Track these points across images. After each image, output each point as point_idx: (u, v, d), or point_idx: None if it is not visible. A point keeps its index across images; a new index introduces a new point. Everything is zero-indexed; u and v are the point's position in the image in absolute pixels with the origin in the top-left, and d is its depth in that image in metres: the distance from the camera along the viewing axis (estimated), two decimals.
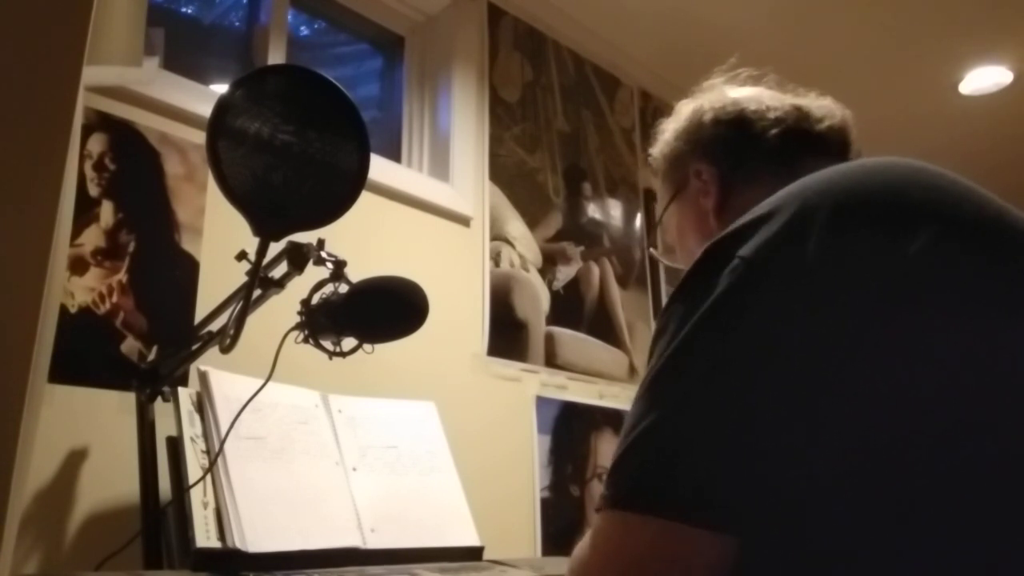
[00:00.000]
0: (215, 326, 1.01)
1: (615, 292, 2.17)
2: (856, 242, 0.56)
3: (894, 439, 0.51)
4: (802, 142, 0.84)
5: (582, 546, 0.60)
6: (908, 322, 0.53)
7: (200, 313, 1.26)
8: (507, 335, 1.84)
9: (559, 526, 1.80)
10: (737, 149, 0.86)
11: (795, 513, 0.53)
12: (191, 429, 1.03)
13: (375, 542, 1.07)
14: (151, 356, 1.23)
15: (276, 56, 1.71)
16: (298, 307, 0.94)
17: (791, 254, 0.56)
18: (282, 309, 0.96)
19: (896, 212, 0.58)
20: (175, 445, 1.04)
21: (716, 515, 0.53)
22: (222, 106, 0.79)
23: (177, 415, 1.04)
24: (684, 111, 0.94)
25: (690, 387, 0.56)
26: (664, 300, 2.30)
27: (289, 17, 1.78)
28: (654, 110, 2.47)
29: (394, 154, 1.92)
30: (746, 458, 0.53)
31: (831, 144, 0.84)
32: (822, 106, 0.86)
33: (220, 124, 0.79)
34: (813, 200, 0.59)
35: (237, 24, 1.83)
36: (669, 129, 0.95)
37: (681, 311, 0.58)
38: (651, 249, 1.09)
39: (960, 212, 0.60)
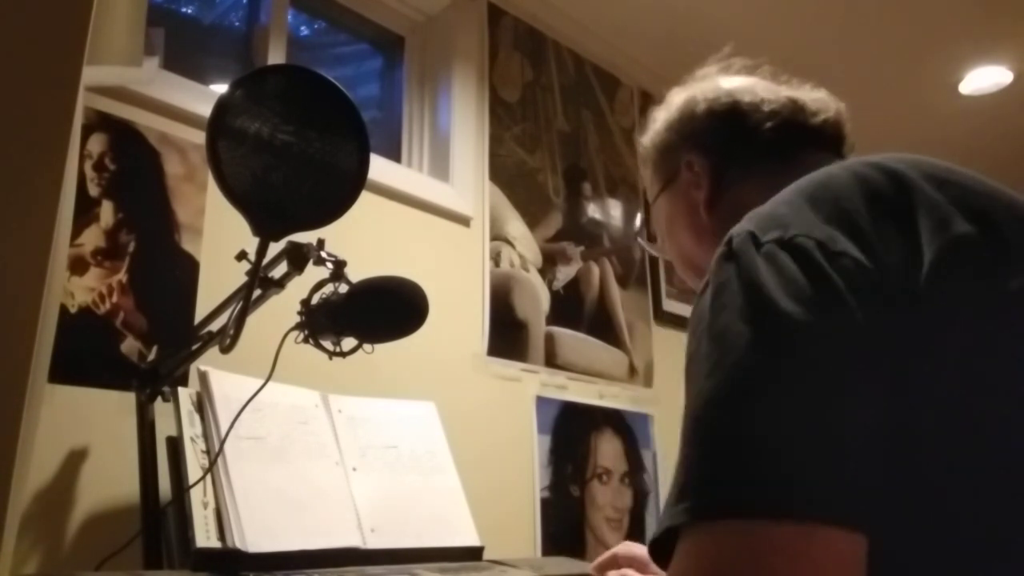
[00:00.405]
0: (215, 326, 1.01)
1: (615, 292, 2.17)
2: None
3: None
4: (797, 136, 0.82)
5: None
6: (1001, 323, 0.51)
7: (200, 313, 1.26)
8: (507, 335, 1.84)
9: (559, 526, 1.80)
10: (731, 142, 0.84)
11: (933, 504, 0.47)
12: (191, 429, 1.03)
13: (375, 542, 1.07)
14: (151, 356, 1.23)
15: (276, 56, 1.71)
16: (298, 307, 0.94)
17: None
18: (282, 309, 0.96)
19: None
20: (175, 445, 1.04)
21: (854, 510, 0.45)
22: (222, 106, 0.79)
23: (177, 415, 1.04)
24: (676, 101, 0.91)
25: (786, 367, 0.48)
26: (664, 300, 2.31)
27: (289, 17, 1.78)
28: (654, 110, 2.47)
29: (394, 154, 1.93)
30: (874, 445, 0.46)
31: (826, 138, 0.83)
32: (817, 99, 0.85)
33: (220, 124, 0.79)
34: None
35: (237, 24, 1.83)
36: (660, 119, 0.93)
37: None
38: (639, 239, 1.06)
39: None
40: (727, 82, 0.88)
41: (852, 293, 0.49)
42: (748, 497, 0.45)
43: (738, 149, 0.84)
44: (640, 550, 1.03)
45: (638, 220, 2.32)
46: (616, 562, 1.02)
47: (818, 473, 0.44)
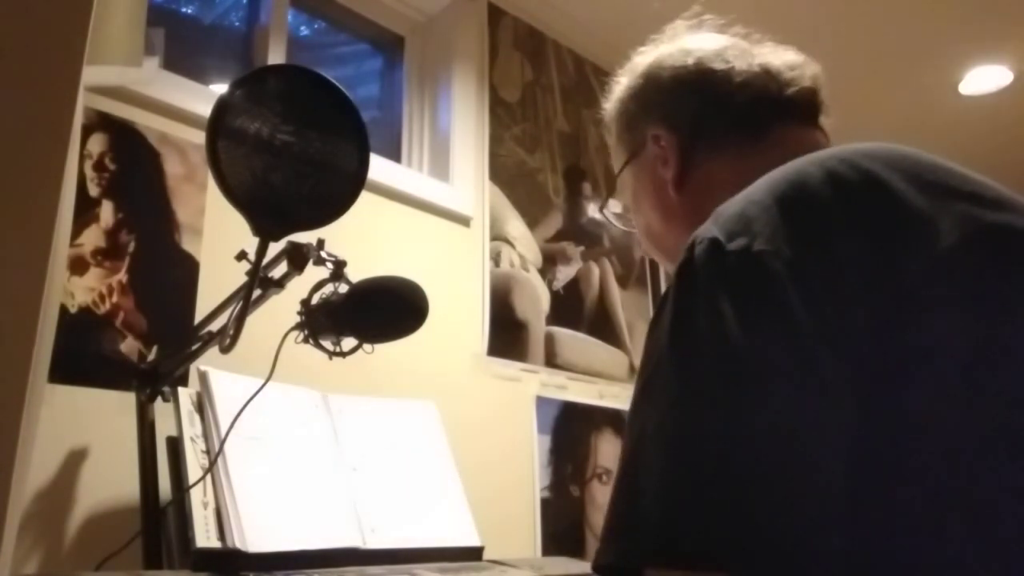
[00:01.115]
0: (215, 326, 1.01)
1: (615, 292, 2.17)
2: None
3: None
4: (770, 108, 0.75)
5: None
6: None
7: (200, 313, 1.26)
8: (507, 335, 1.84)
9: (559, 526, 1.80)
10: (699, 115, 0.77)
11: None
12: (191, 429, 1.03)
13: (375, 542, 1.07)
14: (151, 356, 1.23)
15: (276, 56, 1.71)
16: (298, 307, 0.94)
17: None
18: (282, 309, 0.96)
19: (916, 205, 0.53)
20: (175, 445, 1.04)
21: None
22: (222, 106, 0.79)
23: (177, 415, 1.04)
24: (640, 66, 0.84)
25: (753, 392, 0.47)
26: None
27: (289, 17, 1.78)
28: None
29: (394, 154, 1.92)
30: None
31: (800, 109, 0.76)
32: (791, 64, 0.77)
33: (220, 124, 0.79)
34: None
35: (237, 24, 1.83)
36: (623, 85, 0.85)
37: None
38: (603, 210, 0.99)
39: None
40: (695, 44, 0.81)
41: (816, 319, 0.47)
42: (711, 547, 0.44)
43: (707, 123, 0.77)
44: None
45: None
46: None
47: (775, 528, 0.44)
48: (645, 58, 0.84)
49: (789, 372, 0.46)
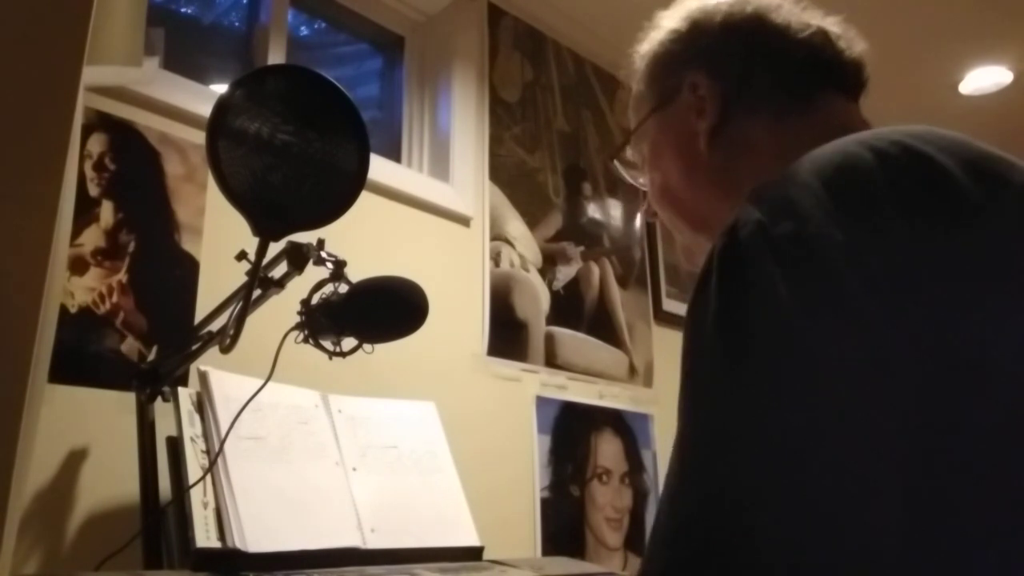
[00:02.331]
0: (215, 326, 1.01)
1: (615, 292, 2.17)
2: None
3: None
4: (823, 71, 0.70)
5: None
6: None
7: (200, 313, 1.26)
8: (507, 335, 1.84)
9: (559, 526, 1.80)
10: (748, 66, 0.71)
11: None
12: (191, 429, 1.03)
13: (375, 542, 1.07)
14: (151, 356, 1.23)
15: (276, 56, 1.71)
16: (298, 307, 0.94)
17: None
18: (282, 309, 0.96)
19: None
20: (175, 445, 1.04)
21: None
22: (222, 106, 0.79)
23: (177, 415, 1.04)
24: (687, 8, 0.77)
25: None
26: (664, 300, 2.31)
27: (289, 17, 1.78)
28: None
29: (394, 154, 1.93)
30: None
31: (850, 80, 0.72)
32: (844, 36, 0.73)
33: (220, 124, 0.79)
34: None
35: (237, 24, 1.83)
36: (665, 27, 0.79)
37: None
38: (615, 162, 0.89)
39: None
40: None
41: (880, 304, 0.43)
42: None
43: (755, 77, 0.71)
44: None
45: (638, 221, 2.32)
46: None
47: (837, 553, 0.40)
48: (692, 2, 0.78)
49: (857, 368, 0.42)
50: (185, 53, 1.58)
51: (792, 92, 0.70)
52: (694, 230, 0.78)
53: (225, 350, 0.88)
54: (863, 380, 0.42)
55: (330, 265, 0.93)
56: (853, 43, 0.73)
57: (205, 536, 0.94)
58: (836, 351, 0.43)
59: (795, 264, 0.45)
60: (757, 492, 0.41)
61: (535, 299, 1.94)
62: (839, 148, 0.52)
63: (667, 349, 2.23)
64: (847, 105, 0.72)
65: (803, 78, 0.70)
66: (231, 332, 0.87)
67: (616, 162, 0.89)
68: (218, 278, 1.29)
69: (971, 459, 0.43)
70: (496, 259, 1.88)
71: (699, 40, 0.75)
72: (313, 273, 0.93)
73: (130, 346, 1.23)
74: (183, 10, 1.73)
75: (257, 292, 0.89)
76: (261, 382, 0.97)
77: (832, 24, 0.74)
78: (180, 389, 1.07)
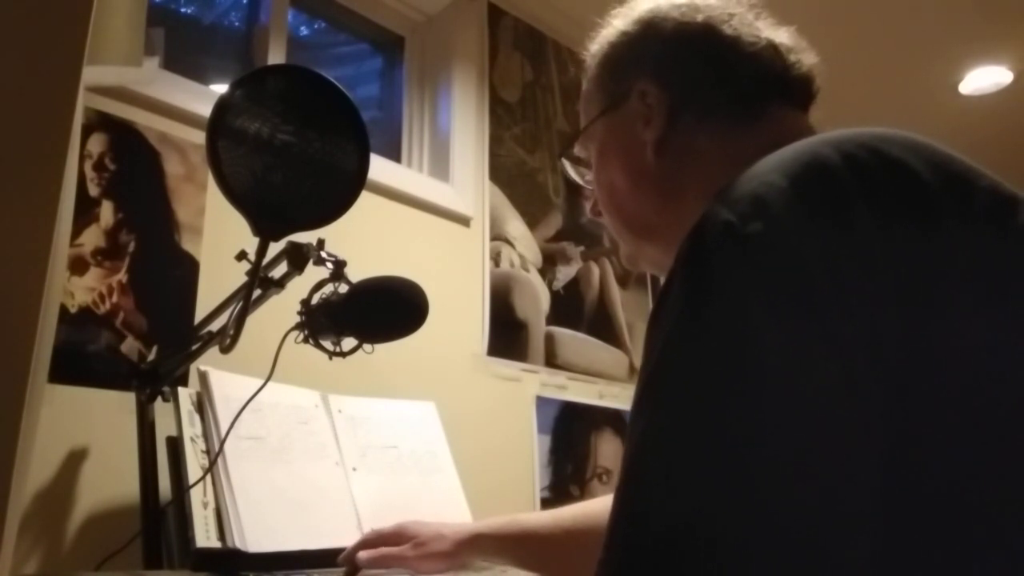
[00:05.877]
0: (215, 326, 1.01)
1: (615, 292, 2.17)
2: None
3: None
4: (772, 85, 0.70)
5: None
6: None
7: (200, 313, 1.26)
8: (507, 335, 1.84)
9: None
10: (697, 78, 0.71)
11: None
12: (191, 429, 1.03)
13: None
14: (151, 356, 1.23)
15: (276, 56, 1.71)
16: (298, 307, 0.94)
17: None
18: (282, 309, 0.96)
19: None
20: (175, 445, 1.04)
21: None
22: (222, 106, 0.79)
23: (177, 415, 1.04)
24: (639, 11, 0.77)
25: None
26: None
27: (289, 17, 1.78)
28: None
29: (394, 154, 1.93)
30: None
31: (799, 92, 0.72)
32: (794, 48, 0.73)
33: (220, 124, 0.79)
34: None
35: (237, 24, 1.83)
36: (616, 27, 0.79)
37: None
38: (563, 159, 0.89)
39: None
40: (704, 1, 0.74)
41: (849, 313, 0.43)
42: None
43: (704, 89, 0.70)
44: (417, 528, 0.96)
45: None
46: (383, 539, 0.96)
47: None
48: (645, 3, 0.77)
49: (828, 380, 0.41)
50: (185, 53, 1.58)
51: (741, 103, 0.70)
52: (637, 237, 0.78)
53: (225, 350, 0.88)
54: (834, 392, 0.41)
55: (330, 265, 0.93)
56: (803, 56, 0.73)
57: (205, 536, 0.94)
58: (807, 363, 0.42)
59: (765, 268, 0.44)
60: (719, 502, 0.40)
61: (535, 299, 1.94)
62: (806, 148, 0.51)
63: None
64: (796, 116, 0.72)
65: (752, 90, 0.70)
66: (231, 332, 0.87)
67: (564, 159, 0.89)
68: (218, 278, 1.29)
69: (945, 466, 0.42)
70: (496, 259, 1.88)
71: (650, 47, 0.74)
72: (313, 273, 0.93)
73: (130, 346, 1.23)
74: (183, 10, 1.73)
75: (257, 292, 0.89)
76: (261, 382, 0.97)
77: (784, 36, 0.73)
78: (180, 389, 1.07)
